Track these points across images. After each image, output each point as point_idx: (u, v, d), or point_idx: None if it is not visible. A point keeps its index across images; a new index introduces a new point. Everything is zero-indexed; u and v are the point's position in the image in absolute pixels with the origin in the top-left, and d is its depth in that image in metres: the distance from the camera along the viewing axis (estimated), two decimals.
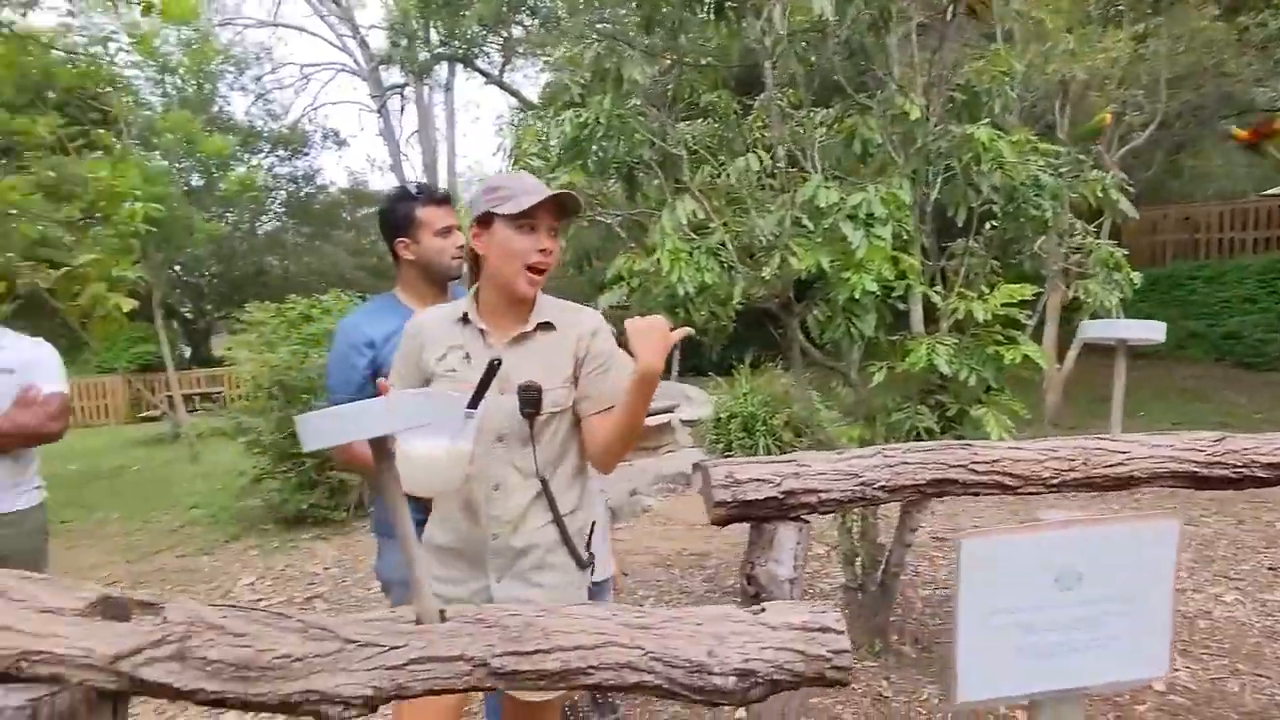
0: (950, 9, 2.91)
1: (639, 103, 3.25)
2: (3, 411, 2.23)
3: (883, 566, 3.14)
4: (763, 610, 1.01)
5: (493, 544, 1.55)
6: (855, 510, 3.10)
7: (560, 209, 1.57)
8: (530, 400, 1.50)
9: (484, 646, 0.94)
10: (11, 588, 0.93)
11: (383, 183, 29.23)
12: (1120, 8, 6.78)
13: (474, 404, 1.39)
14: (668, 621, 0.98)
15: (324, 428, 0.89)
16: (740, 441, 6.58)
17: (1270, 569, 3.90)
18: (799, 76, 3.39)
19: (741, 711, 2.37)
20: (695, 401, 7.81)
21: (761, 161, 2.80)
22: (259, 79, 24.33)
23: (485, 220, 1.56)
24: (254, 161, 22.36)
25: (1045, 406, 7.37)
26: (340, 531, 5.42)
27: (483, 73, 24.68)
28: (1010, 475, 1.80)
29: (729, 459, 1.79)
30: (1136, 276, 3.42)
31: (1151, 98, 6.95)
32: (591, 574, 1.75)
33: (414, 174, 26.86)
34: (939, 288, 2.99)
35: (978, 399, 2.94)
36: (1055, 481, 1.80)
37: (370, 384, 1.89)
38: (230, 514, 6.03)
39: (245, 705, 0.91)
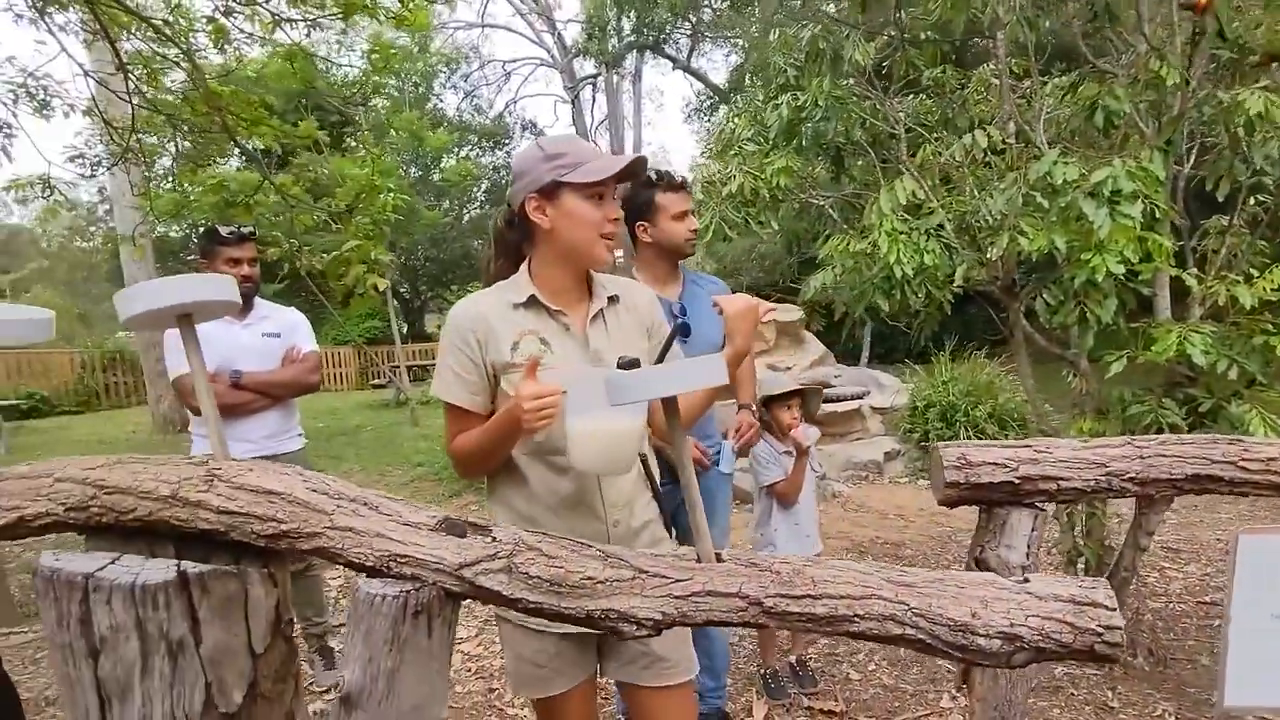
0: None
1: (852, 82, 3.22)
2: (275, 367, 2.70)
3: (1110, 570, 2.93)
4: (1026, 580, 1.03)
5: (614, 531, 1.51)
6: (1081, 506, 2.91)
7: (619, 176, 1.46)
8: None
9: (758, 587, 1.04)
10: (382, 503, 1.16)
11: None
12: None
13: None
14: (930, 582, 1.03)
15: (631, 385, 1.04)
16: (938, 432, 6.31)
17: None
18: (1029, 44, 3.19)
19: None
20: (887, 389, 7.57)
21: (990, 137, 2.68)
22: (467, 77, 26.38)
23: (550, 191, 1.44)
24: (462, 153, 24.34)
25: None
26: None
27: (670, 59, 25.08)
28: None
29: (963, 443, 1.78)
30: None
31: None
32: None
33: None
34: (1192, 270, 2.72)
35: (1237, 394, 2.66)
36: None
37: None
38: (448, 475, 6.70)
39: (557, 615, 1.08)
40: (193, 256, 3.07)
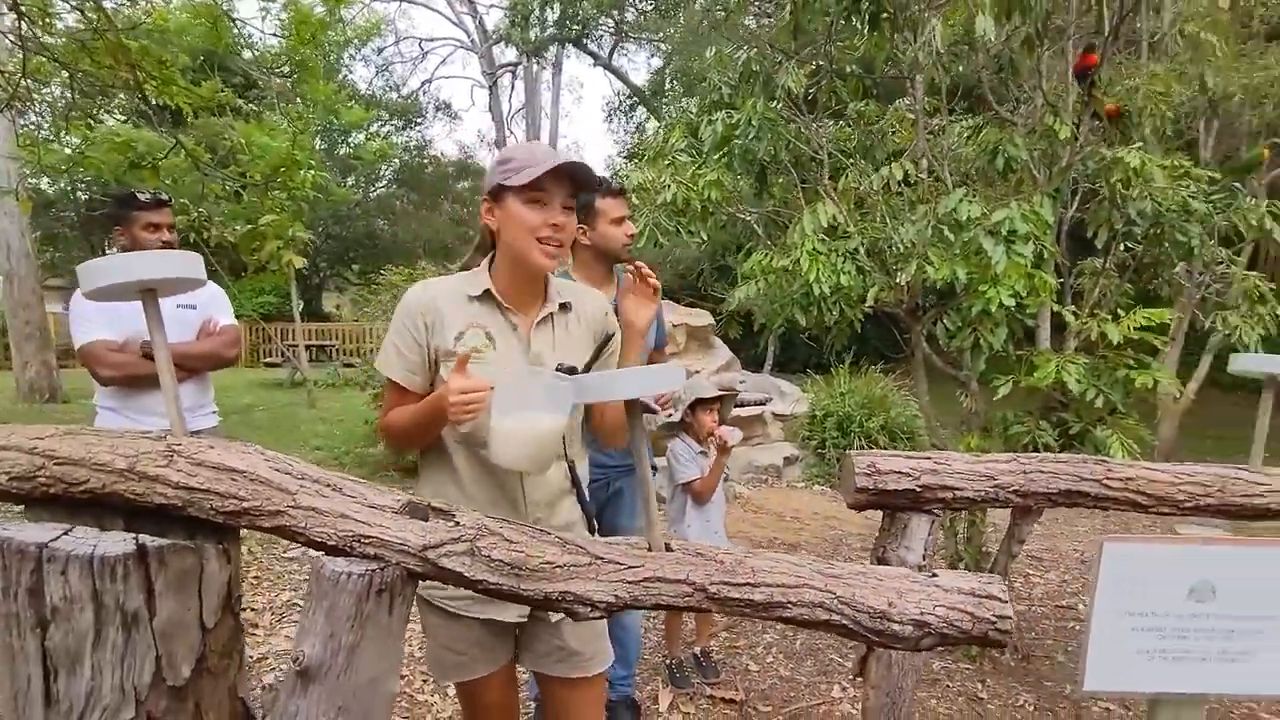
0: (1113, 28, 2.92)
1: (780, 105, 3.40)
2: (192, 340, 2.63)
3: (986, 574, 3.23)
4: (935, 575, 1.18)
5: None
6: (964, 514, 3.19)
7: (572, 182, 1.48)
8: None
9: (704, 574, 1.15)
10: (346, 485, 1.20)
11: (489, 158, 30.18)
12: None
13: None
14: (855, 575, 1.16)
15: (596, 386, 1.12)
16: (834, 440, 6.66)
17: None
18: (942, 88, 3.46)
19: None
20: (788, 396, 7.90)
21: (905, 171, 2.91)
22: (380, 51, 25.51)
23: (496, 194, 1.49)
24: (372, 129, 23.54)
25: (1158, 436, 7.14)
26: None
27: (592, 55, 25.09)
28: (1144, 494, 1.88)
29: (869, 451, 1.95)
30: None
31: None
32: None
33: None
34: (1070, 306, 3.04)
35: (1101, 419, 2.99)
36: (1189, 505, 1.88)
37: None
38: (353, 458, 6.54)
39: (515, 596, 1.15)
40: (67, 213, 2.91)
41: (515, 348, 1.55)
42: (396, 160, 24.26)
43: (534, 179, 1.42)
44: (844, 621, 1.13)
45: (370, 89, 24.36)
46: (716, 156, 3.16)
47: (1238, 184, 3.35)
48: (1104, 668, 1.46)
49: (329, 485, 1.19)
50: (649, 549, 1.18)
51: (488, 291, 1.54)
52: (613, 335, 1.65)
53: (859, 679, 2.02)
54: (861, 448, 6.59)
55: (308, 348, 11.79)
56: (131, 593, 1.10)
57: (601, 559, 1.15)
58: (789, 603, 1.13)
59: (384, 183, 25.05)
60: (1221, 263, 3.42)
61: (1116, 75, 3.41)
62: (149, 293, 1.21)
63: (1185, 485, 1.93)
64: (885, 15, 2.98)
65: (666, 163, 3.35)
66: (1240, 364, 2.02)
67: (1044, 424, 2.97)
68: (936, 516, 1.97)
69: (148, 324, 1.22)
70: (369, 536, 1.15)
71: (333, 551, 1.17)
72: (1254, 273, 3.46)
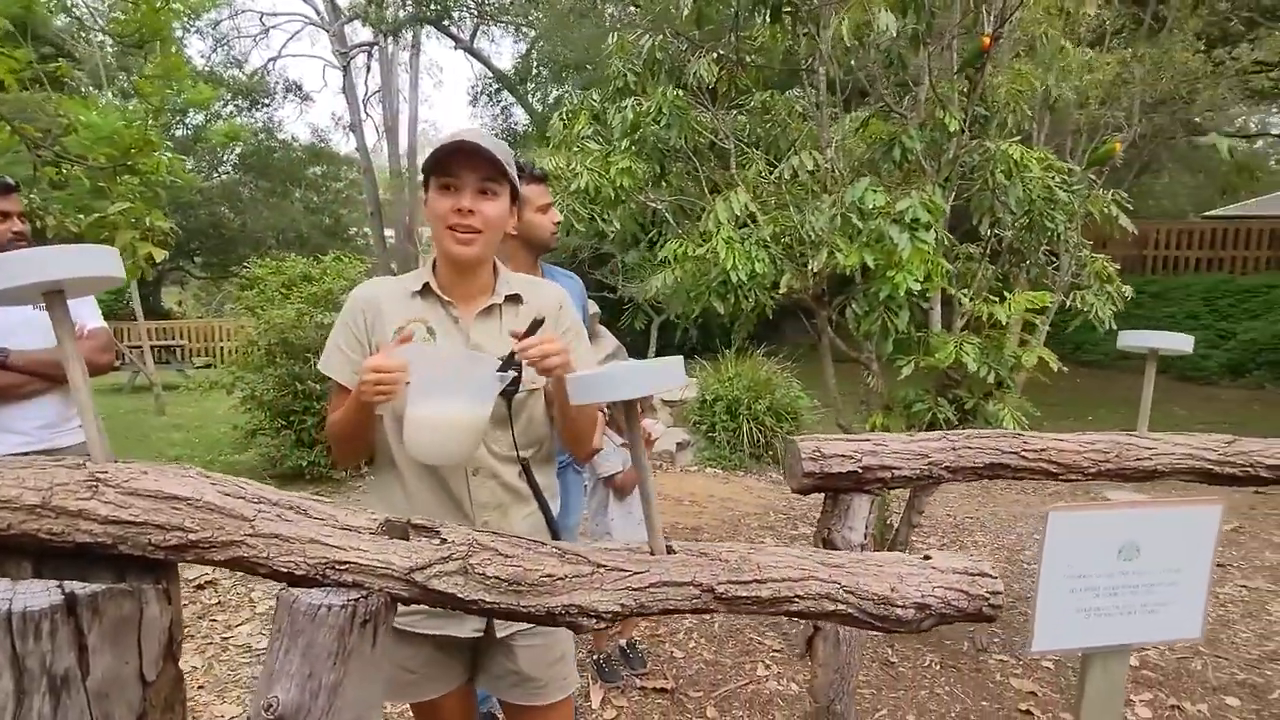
0: (994, 31, 3.12)
1: (681, 93, 3.40)
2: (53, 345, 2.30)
3: (889, 543, 3.40)
4: (928, 558, 1.21)
5: None
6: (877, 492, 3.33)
7: (490, 164, 1.39)
8: (511, 380, 1.33)
9: (710, 575, 1.11)
10: (311, 507, 1.07)
11: (344, 142, 28.61)
12: (1112, 30, 7.19)
13: (505, 367, 1.29)
14: (855, 562, 1.17)
15: (593, 385, 1.06)
16: (724, 424, 6.81)
17: (1219, 565, 4.31)
18: (836, 82, 3.58)
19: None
20: None
21: (815, 161, 2.98)
22: (216, 24, 23.50)
23: (426, 183, 1.44)
24: (212, 109, 21.65)
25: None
26: (338, 490, 5.49)
27: (453, 37, 24.28)
28: (1054, 463, 2.03)
29: (812, 436, 1.98)
30: (1127, 289, 3.74)
31: (1128, 119, 7.41)
32: None
33: (374, 135, 26.37)
34: (964, 290, 3.23)
35: (989, 394, 3.21)
36: (1093, 470, 2.04)
37: None
38: (220, 466, 6.01)
39: (514, 615, 1.07)
40: None
41: (457, 341, 1.48)
42: (241, 144, 22.48)
43: (438, 162, 1.37)
44: (850, 610, 1.13)
45: (209, 65, 22.40)
46: (625, 144, 3.11)
47: (1092, 175, 3.67)
48: (1049, 629, 1.56)
49: (291, 508, 1.06)
50: (650, 553, 1.13)
51: (427, 285, 1.49)
52: (554, 331, 1.52)
53: (804, 659, 2.07)
54: (750, 430, 6.79)
55: (151, 348, 10.72)
56: (60, 651, 0.93)
57: (604, 567, 1.09)
58: (796, 596, 1.12)
59: (227, 168, 23.15)
60: (1079, 246, 3.75)
61: (988, 72, 3.64)
62: (55, 294, 1.03)
63: (1088, 453, 2.09)
64: (788, 9, 3.03)
65: (575, 150, 3.27)
66: (1126, 340, 2.21)
67: (942, 400, 3.15)
68: (875, 495, 2.05)
69: (55, 331, 1.03)
70: (346, 562, 1.03)
71: (301, 582, 1.04)
72: (1101, 254, 3.83)
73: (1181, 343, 2.10)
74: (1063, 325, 3.83)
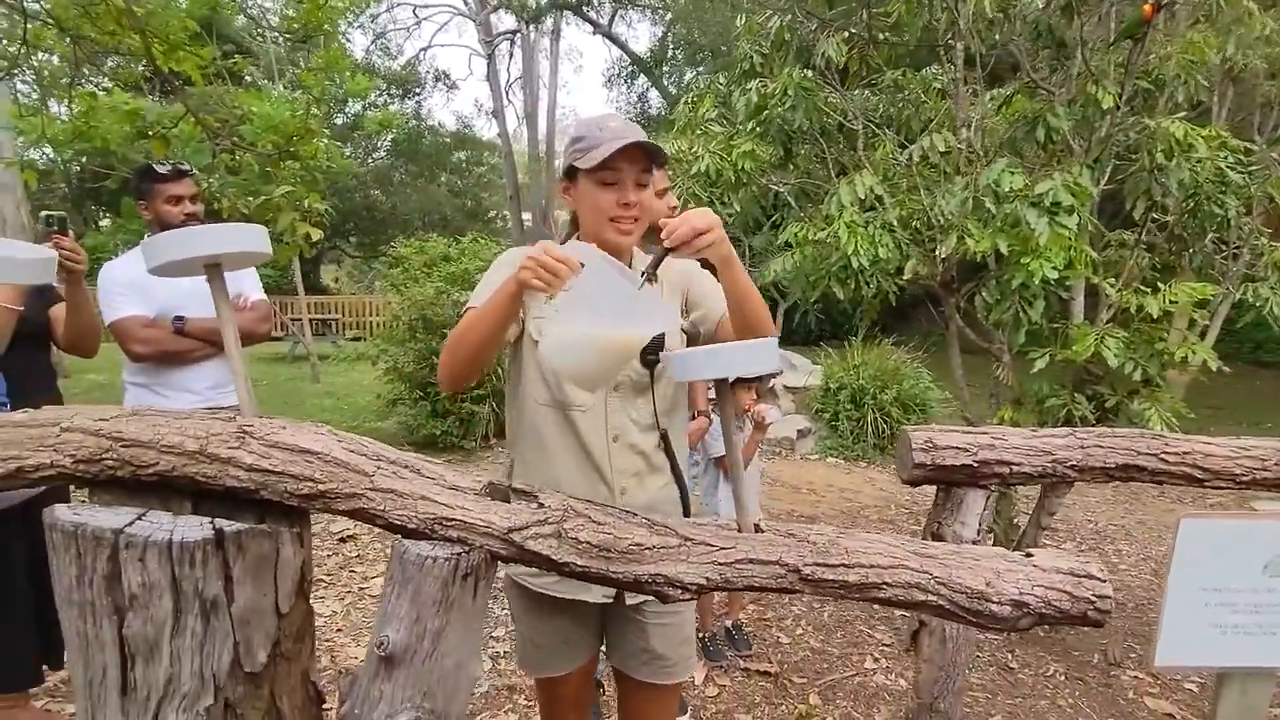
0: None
1: (810, 74, 3.32)
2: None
3: (1015, 544, 3.22)
4: (1031, 555, 1.16)
5: (621, 499, 1.48)
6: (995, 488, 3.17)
7: (646, 155, 1.41)
8: (651, 346, 1.36)
9: (797, 556, 1.12)
10: (424, 466, 1.16)
11: (487, 128, 29.81)
12: None
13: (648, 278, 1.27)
14: (950, 554, 1.14)
15: (693, 363, 1.09)
16: (847, 413, 6.64)
17: None
18: (976, 57, 3.38)
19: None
20: (799, 369, 7.88)
21: (946, 141, 2.84)
22: (375, 19, 25.04)
23: (570, 174, 1.46)
24: (369, 99, 23.17)
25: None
26: (469, 459, 5.81)
27: (591, 22, 24.67)
28: (1200, 468, 1.86)
29: (927, 427, 1.92)
30: None
31: None
32: None
33: (514, 121, 27.29)
34: (1110, 279, 3.00)
35: (1135, 391, 2.96)
36: (1247, 479, 1.85)
37: None
38: (362, 432, 6.49)
39: (603, 579, 1.12)
40: (58, 185, 2.84)
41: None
42: (394, 131, 23.94)
43: (604, 160, 1.37)
44: (940, 602, 1.10)
45: (367, 57, 23.97)
46: (749, 126, 3.09)
47: (1276, 156, 3.28)
48: (1176, 642, 1.45)
49: (406, 466, 1.16)
50: (739, 530, 1.15)
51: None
52: (688, 291, 1.58)
53: (909, 653, 2.02)
54: (875, 420, 6.59)
55: (313, 321, 11.70)
56: (210, 579, 1.06)
57: (691, 540, 1.12)
58: (884, 583, 1.11)
59: (381, 153, 24.74)
60: (1255, 234, 3.37)
61: (1157, 42, 3.32)
62: (214, 267, 1.16)
63: (1242, 459, 1.90)
64: None
65: (699, 133, 3.27)
66: None
67: (1079, 397, 2.94)
68: (991, 491, 1.95)
69: (214, 300, 1.17)
70: (452, 519, 1.11)
71: (413, 535, 1.14)
72: None
73: None
74: (1235, 321, 3.47)
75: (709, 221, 1.24)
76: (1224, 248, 3.56)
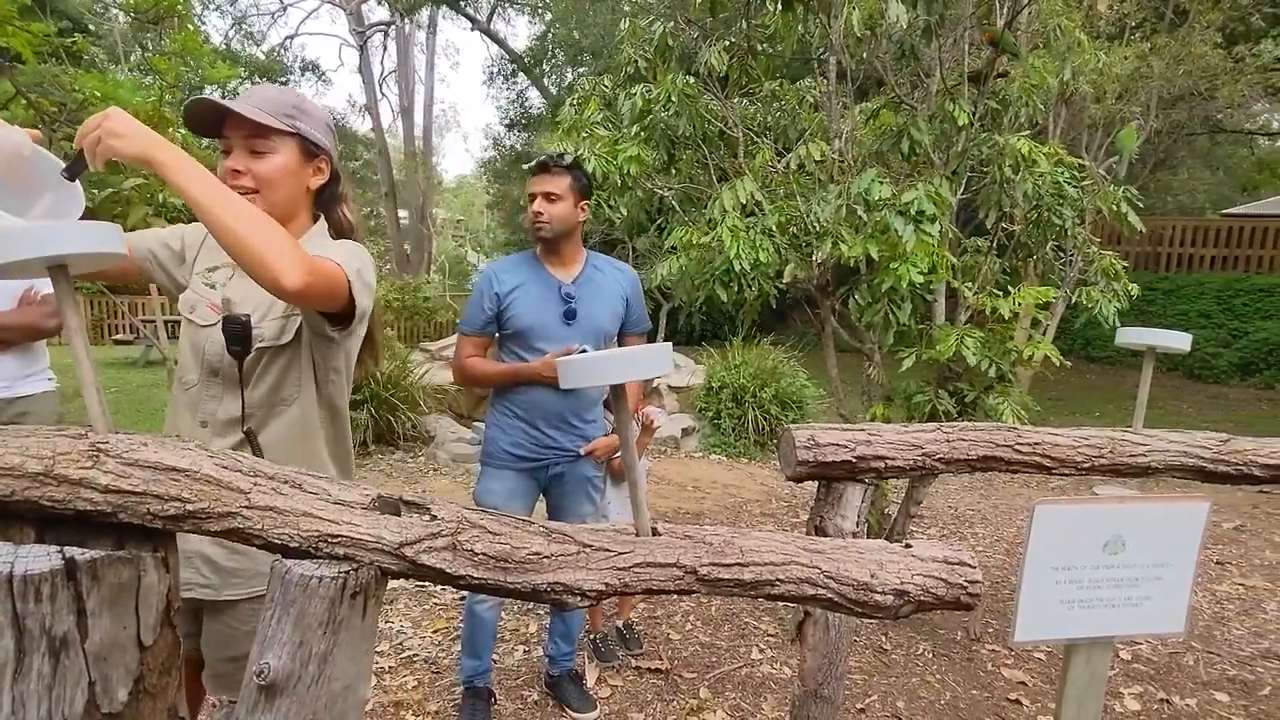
0: (1006, 22, 3.10)
1: (692, 80, 3.39)
2: (8, 308, 2.54)
3: (887, 534, 3.42)
4: (909, 545, 1.23)
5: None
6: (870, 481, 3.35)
7: (251, 125, 1.37)
8: (234, 336, 1.35)
9: (694, 557, 1.13)
10: (306, 482, 1.10)
11: (360, 123, 28.61)
12: (1131, 23, 7.09)
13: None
14: (836, 549, 1.19)
15: (585, 369, 1.08)
16: (729, 411, 6.84)
17: (1218, 563, 4.31)
18: (847, 72, 3.56)
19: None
20: (682, 369, 8.03)
21: (821, 151, 2.98)
22: (234, 1, 23.50)
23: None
24: (230, 87, 21.68)
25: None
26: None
27: (470, 18, 24.19)
28: (1048, 457, 2.04)
29: (807, 425, 2.00)
30: (1134, 287, 3.72)
31: (1145, 115, 7.32)
32: None
33: (389, 116, 26.35)
34: (968, 284, 3.23)
35: (989, 387, 3.21)
36: (1086, 466, 2.05)
37: (492, 324, 2.13)
38: None
39: (500, 590, 1.10)
40: None
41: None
42: None
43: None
44: (830, 595, 1.15)
45: (226, 42, 22.45)
46: (634, 130, 3.12)
47: (1103, 171, 3.65)
48: (1032, 619, 1.58)
49: (287, 481, 1.09)
50: (636, 534, 1.15)
51: None
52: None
53: (794, 643, 2.10)
54: (755, 418, 6.81)
55: (165, 323, 10.80)
56: (60, 614, 0.96)
57: (590, 547, 1.12)
58: (777, 580, 1.15)
59: None
60: (1087, 242, 3.73)
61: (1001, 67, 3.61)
62: (59, 269, 1.05)
63: (1082, 448, 2.10)
64: None
65: (584, 135, 3.27)
66: (1124, 337, 2.21)
67: (942, 393, 3.15)
68: (868, 485, 2.06)
69: (61, 306, 1.06)
70: (338, 535, 1.06)
71: (295, 554, 1.07)
72: (1109, 251, 3.81)
73: (1179, 341, 2.10)
74: (1071, 321, 3.82)
75: (95, 119, 1.15)
76: (1062, 254, 3.92)
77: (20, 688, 0.96)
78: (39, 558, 0.96)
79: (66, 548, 0.99)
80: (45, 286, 2.58)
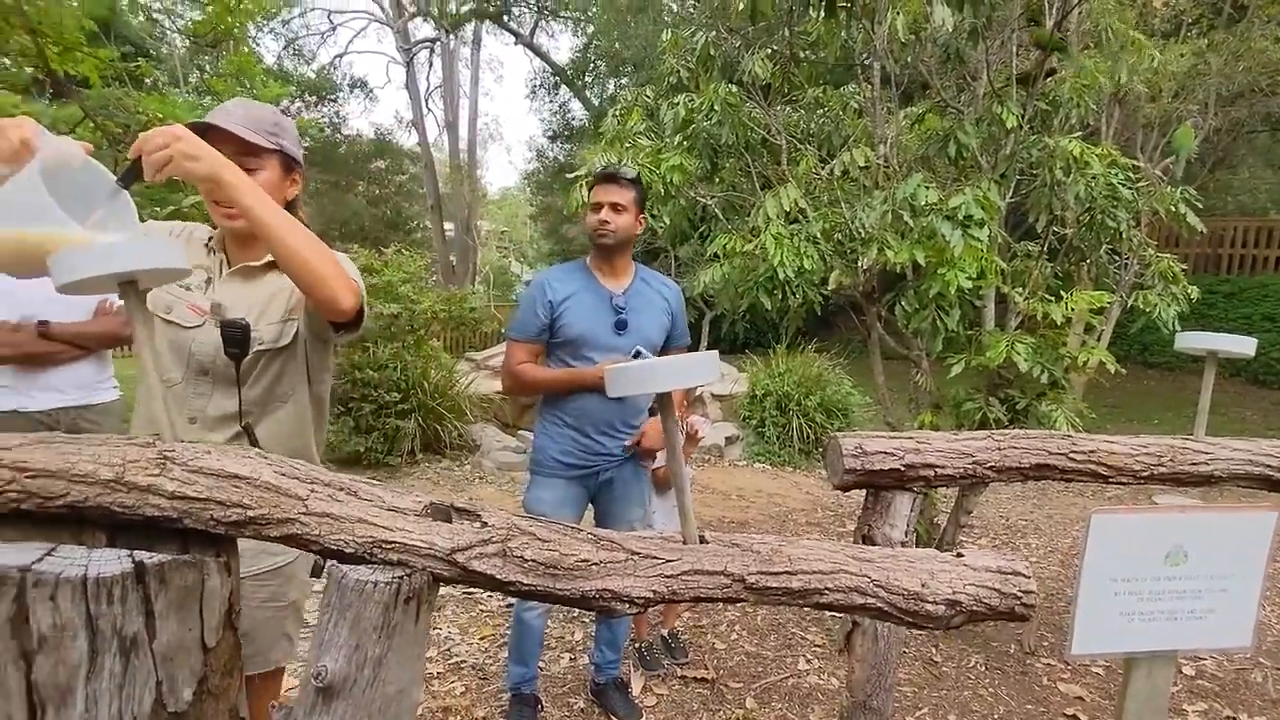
0: (1055, 23, 3.04)
1: (735, 89, 3.40)
2: (88, 318, 2.63)
3: (936, 542, 3.36)
4: (961, 555, 1.21)
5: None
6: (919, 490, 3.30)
7: (239, 142, 1.41)
8: (236, 339, 1.40)
9: (741, 565, 1.13)
10: (361, 489, 1.13)
11: (407, 137, 29.24)
12: (1188, 20, 6.87)
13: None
14: (886, 558, 1.17)
15: (633, 378, 1.09)
16: (774, 419, 6.78)
17: None
18: (891, 77, 3.53)
19: None
20: (725, 377, 8.00)
21: (865, 157, 2.95)
22: (287, 23, 24.25)
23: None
24: (282, 106, 22.38)
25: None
26: (394, 475, 5.66)
27: (513, 32, 24.56)
28: (1104, 465, 1.98)
29: (854, 433, 1.98)
30: (1193, 290, 3.59)
31: (1203, 113, 7.08)
32: None
33: (435, 130, 26.87)
34: (1018, 289, 3.16)
35: (1042, 394, 3.13)
36: (1145, 474, 1.99)
37: (545, 331, 2.16)
38: None
39: (548, 597, 1.11)
40: None
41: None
42: (308, 138, 23.19)
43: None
44: (880, 604, 1.14)
45: (279, 63, 23.19)
46: (677, 140, 3.13)
47: (1160, 172, 3.54)
48: (1089, 631, 1.53)
49: (342, 489, 1.12)
50: (683, 542, 1.16)
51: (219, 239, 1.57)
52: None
53: (842, 653, 2.07)
54: (800, 426, 6.74)
55: None
56: (130, 615, 1.00)
57: (638, 554, 1.12)
58: (825, 589, 1.14)
59: None
60: (1143, 245, 3.62)
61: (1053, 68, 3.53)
62: (129, 285, 1.10)
63: (1140, 456, 2.04)
64: (843, 3, 3.00)
65: (627, 146, 3.30)
66: (1184, 341, 2.14)
67: (993, 400, 3.09)
68: (917, 494, 2.03)
69: (131, 317, 1.11)
70: (391, 542, 1.08)
71: (350, 559, 1.10)
72: (1167, 254, 3.69)
73: (1243, 345, 2.03)
74: (1127, 326, 3.71)
75: (165, 138, 1.17)
76: (1116, 258, 3.81)
77: (93, 686, 1.00)
78: (110, 561, 1.00)
79: (136, 551, 1.04)
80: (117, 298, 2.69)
